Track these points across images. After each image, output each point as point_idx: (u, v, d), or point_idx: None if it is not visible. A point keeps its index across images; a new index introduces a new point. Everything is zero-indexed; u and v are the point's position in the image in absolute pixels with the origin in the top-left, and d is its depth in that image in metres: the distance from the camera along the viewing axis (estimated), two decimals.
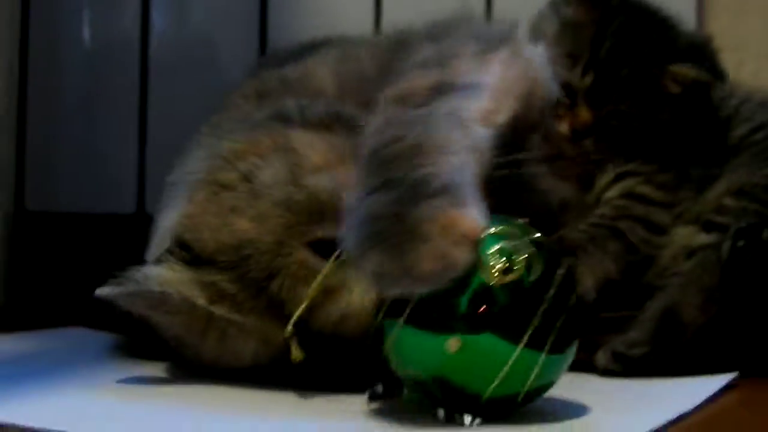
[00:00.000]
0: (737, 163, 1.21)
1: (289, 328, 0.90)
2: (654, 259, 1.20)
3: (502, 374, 0.79)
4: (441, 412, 0.83)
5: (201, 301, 0.95)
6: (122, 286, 0.93)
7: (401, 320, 0.80)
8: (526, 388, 0.81)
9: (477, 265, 0.79)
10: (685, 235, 1.19)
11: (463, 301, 0.79)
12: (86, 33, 1.75)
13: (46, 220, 1.71)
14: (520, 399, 0.82)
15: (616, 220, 1.20)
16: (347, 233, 0.83)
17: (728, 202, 1.18)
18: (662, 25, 1.26)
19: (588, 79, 1.22)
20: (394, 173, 0.84)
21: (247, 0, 1.73)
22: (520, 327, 0.79)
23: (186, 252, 0.97)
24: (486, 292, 0.79)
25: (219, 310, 0.94)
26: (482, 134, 0.94)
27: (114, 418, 0.86)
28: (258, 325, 0.94)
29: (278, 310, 0.93)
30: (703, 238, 1.17)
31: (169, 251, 0.97)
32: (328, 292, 0.91)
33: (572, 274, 0.85)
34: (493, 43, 1.09)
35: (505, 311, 0.80)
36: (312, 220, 0.94)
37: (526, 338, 0.79)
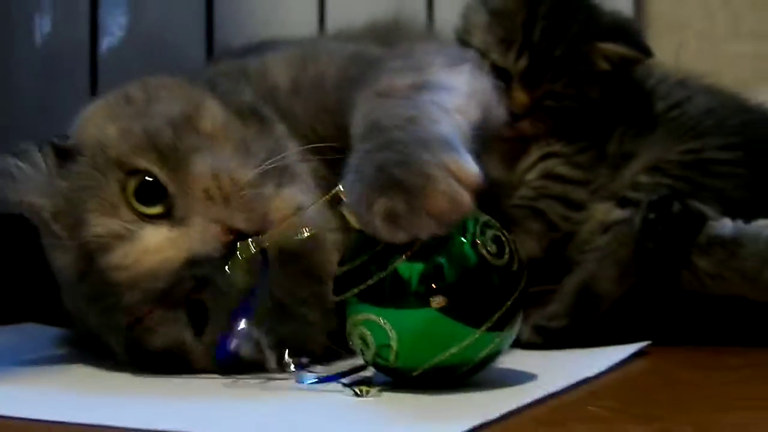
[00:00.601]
0: (652, 140, 1.25)
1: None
2: (573, 235, 1.25)
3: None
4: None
5: (44, 205, 1.00)
6: None
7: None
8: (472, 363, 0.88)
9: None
10: (602, 212, 1.24)
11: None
12: (38, 34, 1.78)
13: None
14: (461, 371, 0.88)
15: (536, 200, 1.25)
16: (350, 186, 0.87)
17: (643, 178, 1.22)
18: (587, 5, 1.31)
19: (523, 62, 1.26)
20: (396, 135, 0.90)
21: (194, 1, 1.76)
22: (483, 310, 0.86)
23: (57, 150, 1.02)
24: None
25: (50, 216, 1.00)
26: (463, 123, 0.99)
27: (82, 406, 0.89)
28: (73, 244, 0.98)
29: (78, 228, 0.97)
30: (618, 214, 1.21)
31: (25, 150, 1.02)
32: (118, 237, 0.95)
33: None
34: (459, 59, 1.16)
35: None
36: (155, 158, 0.98)
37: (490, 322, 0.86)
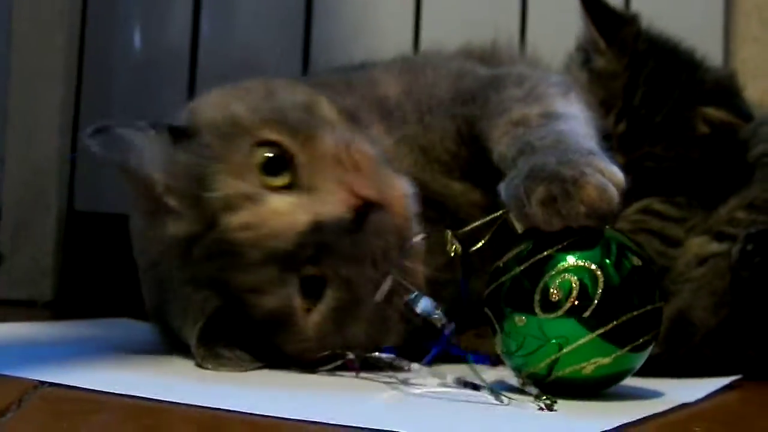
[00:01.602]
0: (751, 180, 1.26)
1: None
2: (668, 269, 1.25)
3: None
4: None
5: (159, 179, 1.02)
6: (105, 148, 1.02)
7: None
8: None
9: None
10: (698, 245, 1.25)
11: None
12: (137, 41, 1.83)
13: (93, 220, 1.78)
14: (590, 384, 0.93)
15: (634, 233, 1.24)
16: (506, 185, 0.96)
17: (740, 214, 1.23)
18: (690, 65, 1.30)
19: (622, 127, 1.26)
20: (548, 151, 0.98)
21: (292, 12, 1.80)
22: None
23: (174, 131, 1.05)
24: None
25: (163, 189, 1.03)
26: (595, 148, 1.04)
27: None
28: (187, 211, 1.02)
29: (199, 199, 1.01)
30: (715, 247, 1.23)
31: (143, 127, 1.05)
32: (246, 198, 1.00)
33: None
34: (565, 87, 1.19)
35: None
36: (285, 130, 1.03)
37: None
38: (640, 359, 0.94)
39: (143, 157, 1.03)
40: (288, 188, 1.01)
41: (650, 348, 0.94)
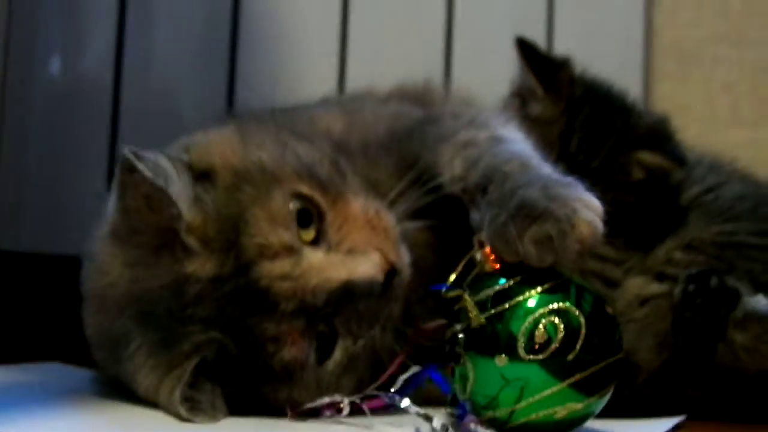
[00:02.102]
0: (687, 221, 1.29)
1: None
2: None
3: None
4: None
5: (185, 209, 1.00)
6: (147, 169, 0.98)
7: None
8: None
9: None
10: (637, 285, 1.26)
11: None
12: (56, 71, 1.79)
13: (10, 259, 1.74)
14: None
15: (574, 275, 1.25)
16: (490, 221, 0.97)
17: (678, 255, 1.25)
18: (624, 110, 1.32)
19: None
20: (519, 178, 1.00)
21: (216, 45, 1.78)
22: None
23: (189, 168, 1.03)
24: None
25: (185, 228, 0.99)
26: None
27: None
28: (208, 255, 0.99)
29: (231, 243, 0.99)
30: (656, 288, 1.24)
31: (174, 159, 1.03)
32: (287, 248, 0.99)
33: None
34: (504, 118, 1.23)
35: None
36: (315, 186, 1.04)
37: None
38: (603, 403, 0.96)
39: (174, 188, 1.00)
40: (314, 243, 1.02)
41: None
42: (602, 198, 1.22)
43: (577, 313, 0.92)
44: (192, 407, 0.99)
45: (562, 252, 0.93)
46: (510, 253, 0.94)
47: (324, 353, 1.02)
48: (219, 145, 1.07)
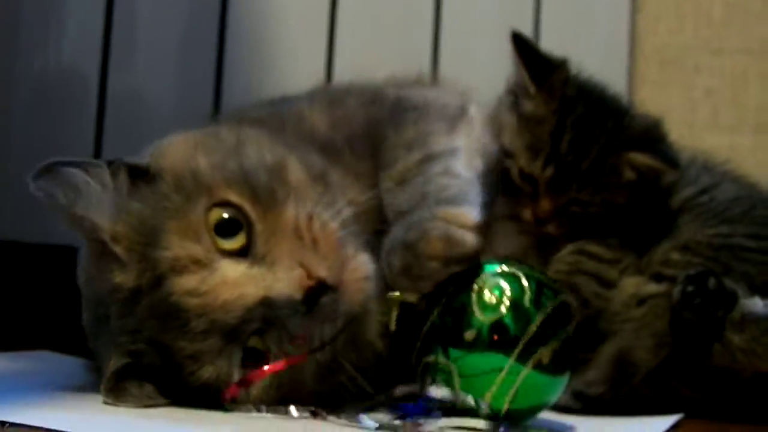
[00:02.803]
0: (681, 222, 1.29)
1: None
2: (602, 311, 1.27)
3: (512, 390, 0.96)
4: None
5: (105, 226, 0.99)
6: (49, 190, 0.98)
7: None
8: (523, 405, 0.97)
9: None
10: (634, 285, 1.27)
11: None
12: (40, 64, 1.78)
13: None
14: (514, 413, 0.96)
15: (571, 275, 1.26)
16: (382, 260, 1.01)
17: (674, 256, 1.26)
18: (617, 111, 1.31)
19: (549, 171, 1.25)
20: (413, 214, 1.03)
21: (203, 38, 1.78)
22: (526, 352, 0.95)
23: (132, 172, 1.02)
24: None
25: (110, 238, 0.99)
26: (469, 176, 1.11)
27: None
28: (134, 263, 0.98)
29: (149, 254, 0.97)
30: (653, 288, 1.25)
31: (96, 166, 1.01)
32: (196, 263, 0.96)
33: (569, 309, 0.98)
34: (455, 119, 1.23)
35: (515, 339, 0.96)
36: (248, 194, 1.00)
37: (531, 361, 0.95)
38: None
39: (91, 202, 0.99)
40: (241, 254, 0.98)
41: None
42: (590, 199, 1.25)
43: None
44: (115, 396, 0.99)
45: (426, 274, 0.98)
46: (397, 288, 1.00)
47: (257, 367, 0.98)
48: (173, 149, 1.05)
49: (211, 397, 0.98)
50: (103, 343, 1.03)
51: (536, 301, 0.97)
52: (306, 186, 1.03)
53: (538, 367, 0.95)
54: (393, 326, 1.00)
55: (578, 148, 1.25)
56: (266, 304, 0.96)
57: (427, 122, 1.19)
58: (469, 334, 0.96)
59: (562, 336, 0.97)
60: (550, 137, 1.26)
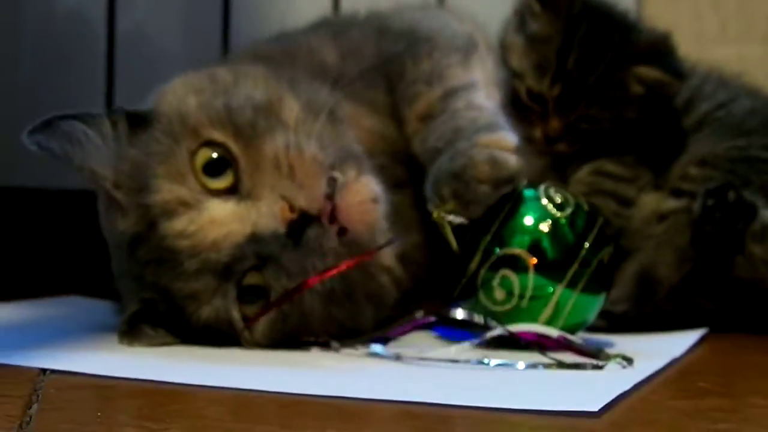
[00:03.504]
0: (699, 137, 1.30)
1: None
2: (623, 229, 1.28)
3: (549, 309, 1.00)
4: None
5: (106, 174, 1.01)
6: (45, 144, 0.99)
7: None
8: (562, 324, 1.00)
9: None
10: (653, 201, 1.28)
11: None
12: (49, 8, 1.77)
13: (17, 195, 1.73)
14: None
15: (590, 195, 1.24)
16: (427, 192, 1.05)
17: (693, 171, 1.26)
18: (623, 26, 1.31)
19: (556, 90, 1.26)
20: (450, 147, 1.06)
21: None
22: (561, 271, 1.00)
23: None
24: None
25: (111, 185, 1.01)
26: (493, 107, 1.13)
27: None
28: (133, 209, 1.00)
29: (142, 192, 0.99)
30: (673, 203, 1.26)
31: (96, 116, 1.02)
32: (184, 204, 0.97)
33: (604, 233, 1.02)
34: (468, 51, 1.23)
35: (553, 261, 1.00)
36: (231, 132, 1.00)
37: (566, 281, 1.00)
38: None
39: (90, 152, 1.00)
40: (231, 191, 0.98)
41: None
42: (599, 115, 1.25)
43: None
44: (130, 339, 1.01)
45: (477, 198, 1.01)
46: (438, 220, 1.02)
47: (258, 306, 0.99)
48: (170, 92, 1.06)
49: (220, 336, 0.99)
50: (123, 286, 1.05)
51: (571, 222, 1.01)
52: (302, 120, 1.02)
53: (583, 288, 1.00)
54: (456, 246, 1.02)
55: (585, 64, 1.26)
56: (254, 240, 0.96)
57: (441, 53, 1.20)
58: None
59: (604, 257, 1.01)
60: (556, 55, 1.26)
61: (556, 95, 1.26)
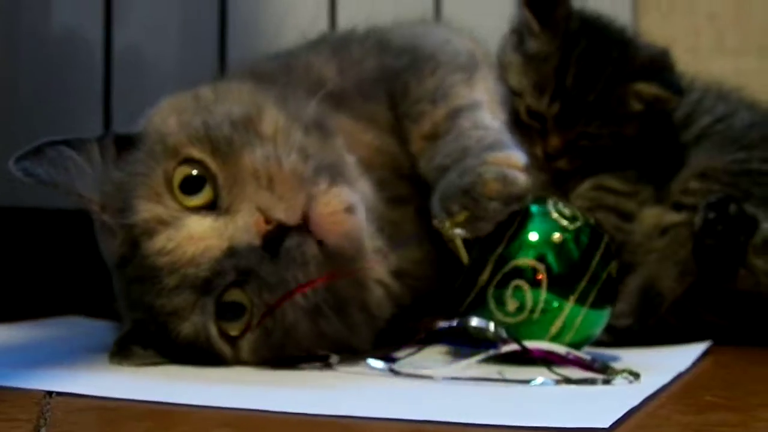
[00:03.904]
0: (699, 151, 1.30)
1: None
2: (625, 244, 1.27)
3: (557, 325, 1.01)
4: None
5: (93, 198, 1.02)
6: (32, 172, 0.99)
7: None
8: (570, 338, 1.01)
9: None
10: (654, 215, 1.28)
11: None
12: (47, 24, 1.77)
13: (14, 215, 1.73)
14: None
15: (591, 210, 1.24)
16: (432, 207, 1.06)
17: (694, 184, 1.26)
18: (621, 43, 1.31)
19: (555, 107, 1.26)
20: (458, 165, 1.06)
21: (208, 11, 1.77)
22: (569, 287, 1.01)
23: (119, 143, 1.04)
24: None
25: (99, 209, 1.02)
26: (498, 126, 1.14)
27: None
28: (119, 231, 1.00)
29: (125, 213, 0.99)
30: (674, 217, 1.26)
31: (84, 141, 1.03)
32: (162, 222, 0.98)
33: (610, 248, 1.03)
34: (472, 69, 1.23)
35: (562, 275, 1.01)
36: (208, 149, 1.00)
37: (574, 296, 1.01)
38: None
39: (76, 177, 1.01)
40: (209, 208, 0.98)
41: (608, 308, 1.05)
42: (598, 132, 1.25)
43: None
44: (121, 360, 1.02)
45: (487, 215, 1.02)
46: (450, 234, 1.03)
47: (241, 324, 0.99)
48: (157, 114, 1.07)
49: (202, 355, 1.00)
50: (120, 306, 1.06)
51: (579, 237, 1.02)
52: (284, 132, 1.02)
53: (592, 303, 1.02)
54: (467, 259, 1.04)
55: (583, 81, 1.26)
56: (231, 254, 0.96)
57: (445, 71, 1.20)
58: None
59: (611, 271, 1.03)
60: (554, 73, 1.26)
61: (555, 113, 1.26)
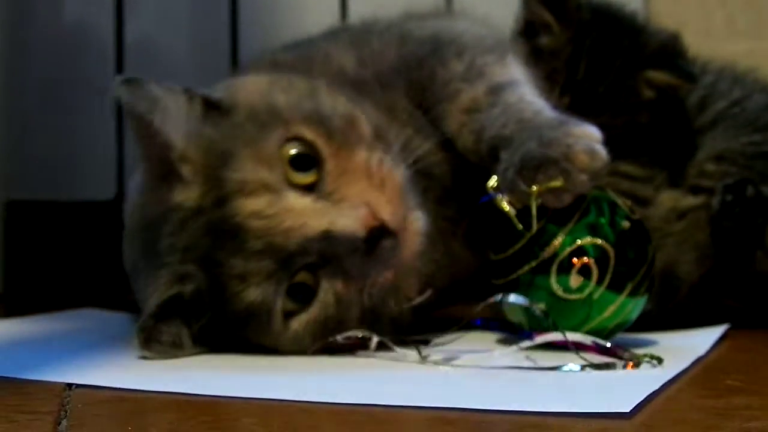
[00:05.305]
0: (715, 135, 1.29)
1: None
2: None
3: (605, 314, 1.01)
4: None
5: (177, 144, 1.01)
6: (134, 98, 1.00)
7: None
8: (613, 324, 1.02)
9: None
10: (671, 199, 1.27)
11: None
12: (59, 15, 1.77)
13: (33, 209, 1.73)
14: (605, 334, 1.00)
15: None
16: (502, 177, 1.02)
17: (710, 167, 1.26)
18: (632, 31, 1.30)
19: (566, 100, 1.26)
20: (520, 136, 1.03)
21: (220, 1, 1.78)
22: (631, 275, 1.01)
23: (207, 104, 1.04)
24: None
25: (178, 157, 1.01)
26: (544, 103, 1.12)
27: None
28: (199, 184, 1.00)
29: (216, 176, 1.00)
30: (691, 201, 1.26)
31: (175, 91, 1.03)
32: (265, 186, 0.98)
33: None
34: (502, 51, 1.21)
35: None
36: (322, 133, 1.02)
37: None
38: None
39: (168, 119, 1.01)
40: (310, 189, 1.00)
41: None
42: (611, 122, 1.24)
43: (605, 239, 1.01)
44: (148, 338, 1.00)
45: (574, 187, 0.99)
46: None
47: (300, 305, 1.00)
48: (249, 85, 1.08)
49: (248, 326, 1.00)
50: (145, 277, 1.04)
51: (639, 228, 1.03)
52: (373, 139, 1.05)
53: (642, 292, 1.02)
54: (522, 228, 1.02)
55: (594, 73, 1.26)
56: (327, 237, 0.97)
57: (473, 54, 1.19)
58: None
59: (649, 259, 1.02)
60: (565, 66, 1.26)
61: (566, 106, 1.25)
